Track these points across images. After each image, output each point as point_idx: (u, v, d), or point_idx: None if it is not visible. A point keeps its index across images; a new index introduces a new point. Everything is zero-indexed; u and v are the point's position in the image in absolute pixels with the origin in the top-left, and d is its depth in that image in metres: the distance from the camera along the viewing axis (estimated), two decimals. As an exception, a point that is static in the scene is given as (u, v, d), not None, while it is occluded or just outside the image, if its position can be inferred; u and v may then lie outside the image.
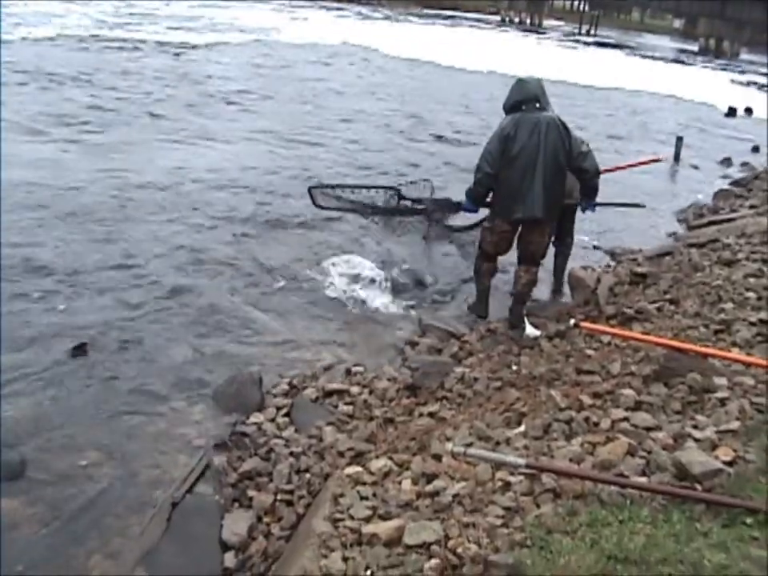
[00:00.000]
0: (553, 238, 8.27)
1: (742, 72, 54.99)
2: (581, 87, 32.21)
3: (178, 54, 27.88)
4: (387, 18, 66.64)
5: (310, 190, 9.24)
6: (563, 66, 38.44)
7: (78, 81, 20.08)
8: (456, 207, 8.54)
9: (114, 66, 23.22)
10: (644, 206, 9.84)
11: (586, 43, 67.20)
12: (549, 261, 8.76)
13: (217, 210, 11.02)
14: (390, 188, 9.26)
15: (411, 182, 9.57)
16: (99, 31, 31.50)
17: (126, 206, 10.70)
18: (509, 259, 8.18)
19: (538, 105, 7.32)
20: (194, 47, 30.69)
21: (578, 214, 8.69)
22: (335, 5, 74.06)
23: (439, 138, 18.49)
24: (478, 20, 78.79)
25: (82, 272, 8.30)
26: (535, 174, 7.17)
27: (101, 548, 4.55)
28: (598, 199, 7.98)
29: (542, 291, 8.95)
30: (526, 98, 7.36)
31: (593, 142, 8.36)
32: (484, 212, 7.94)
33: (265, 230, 10.36)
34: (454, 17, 77.39)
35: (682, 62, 58.72)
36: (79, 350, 6.65)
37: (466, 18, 78.26)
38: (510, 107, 7.45)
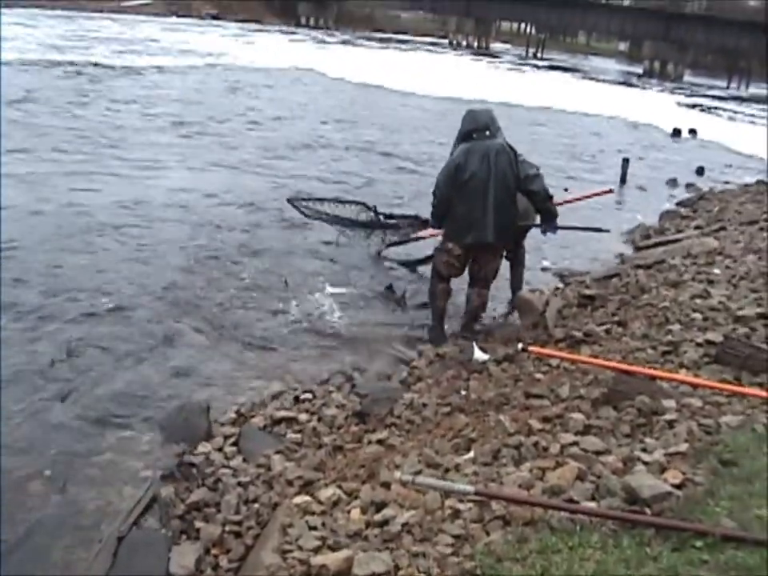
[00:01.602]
0: (506, 254, 8.72)
1: (688, 95, 55.84)
2: (530, 109, 32.50)
3: (131, 77, 28.04)
4: (344, 42, 67.13)
5: (289, 201, 9.70)
6: (512, 88, 38.89)
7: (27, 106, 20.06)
8: (424, 224, 8.69)
9: (68, 91, 23.20)
10: (608, 231, 9.90)
11: (537, 66, 68.05)
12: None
13: (169, 237, 10.92)
14: (365, 204, 9.40)
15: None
16: (51, 55, 31.41)
17: (73, 231, 10.61)
18: (460, 283, 8.29)
19: (488, 133, 7.62)
20: (141, 71, 30.71)
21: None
22: (289, 29, 74.83)
23: (388, 160, 18.55)
24: (433, 44, 79.91)
25: (25, 300, 8.19)
26: (486, 200, 7.48)
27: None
28: (560, 222, 8.22)
29: (491, 312, 8.98)
30: (476, 127, 7.67)
31: (543, 164, 8.46)
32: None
33: (214, 258, 10.26)
34: (408, 41, 78.26)
35: (629, 85, 59.55)
36: None
37: (422, 43, 79.21)
38: (462, 137, 7.74)
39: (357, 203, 9.75)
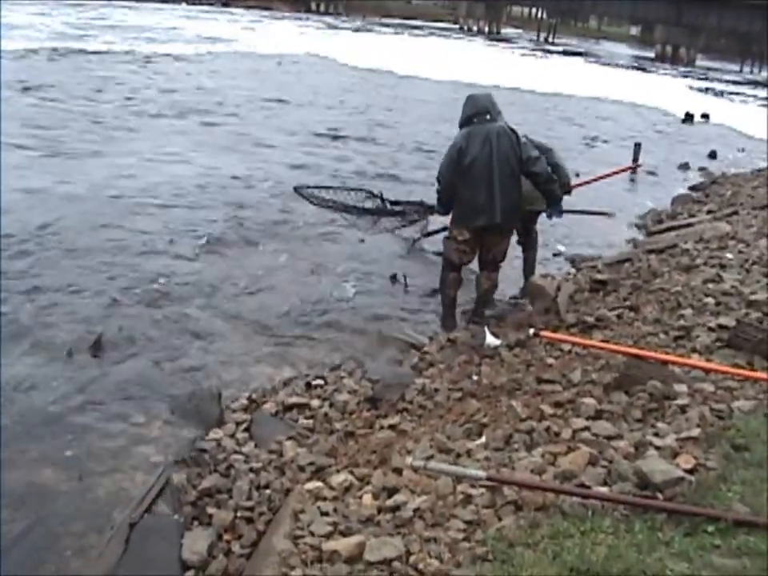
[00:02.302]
0: (518, 238, 8.97)
1: (700, 79, 55.56)
2: (542, 95, 32.44)
3: (145, 66, 28.12)
4: (356, 29, 67.12)
5: (295, 189, 9.76)
6: (524, 74, 38.86)
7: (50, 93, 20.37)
8: (430, 210, 8.72)
9: (84, 78, 23.45)
10: (613, 214, 9.88)
11: (550, 51, 67.81)
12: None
13: (180, 221, 10.96)
14: (371, 192, 9.40)
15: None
16: (66, 43, 31.58)
17: (91, 217, 10.66)
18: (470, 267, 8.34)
19: (488, 117, 7.67)
20: (161, 58, 30.94)
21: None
22: (301, 15, 75.01)
23: (401, 146, 18.54)
24: (445, 29, 79.91)
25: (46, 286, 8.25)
26: (491, 182, 7.50)
27: (58, 571, 4.45)
28: (565, 207, 8.30)
29: (503, 297, 8.98)
30: (476, 111, 7.72)
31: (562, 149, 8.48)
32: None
33: (228, 243, 10.29)
34: (420, 27, 78.27)
35: (642, 69, 59.27)
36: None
37: (434, 28, 79.12)
38: (463, 122, 7.80)
39: (362, 191, 9.75)
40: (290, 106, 23.21)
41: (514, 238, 8.80)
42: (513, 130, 7.68)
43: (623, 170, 11.29)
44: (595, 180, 10.63)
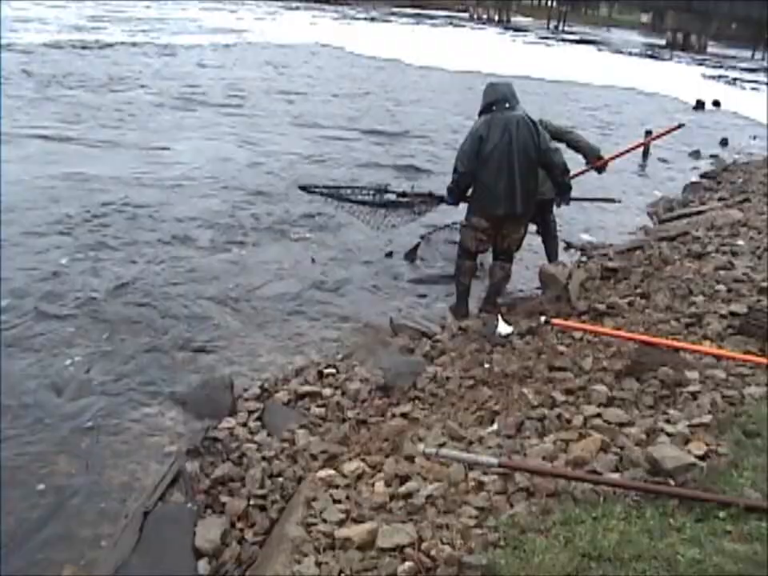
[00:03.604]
0: (537, 228, 9.20)
1: (711, 66, 55.33)
2: (553, 83, 32.38)
3: (163, 55, 28.48)
4: (373, 19, 67.26)
5: (301, 188, 9.73)
6: (536, 62, 38.87)
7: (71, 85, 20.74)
8: (438, 200, 8.74)
9: (99, 70, 23.78)
10: (619, 201, 9.87)
11: (563, 40, 67.72)
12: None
13: (191, 211, 11.03)
14: (376, 188, 9.40)
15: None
16: (82, 35, 31.87)
17: (106, 207, 10.75)
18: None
19: (507, 105, 7.65)
20: (172, 48, 31.41)
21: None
22: (314, 6, 75.33)
23: (401, 136, 18.57)
24: (459, 18, 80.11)
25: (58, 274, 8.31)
26: (512, 171, 7.51)
27: (74, 559, 4.49)
28: (574, 194, 8.37)
29: (514, 287, 9.00)
30: (496, 99, 7.70)
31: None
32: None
33: (240, 234, 10.35)
34: (435, 17, 78.31)
35: (654, 57, 59.07)
36: None
37: (446, 17, 79.35)
38: (483, 109, 7.78)
39: (367, 188, 9.75)
40: (302, 96, 23.21)
41: (533, 228, 8.88)
42: (532, 120, 7.67)
43: (668, 132, 11.14)
44: (623, 154, 10.56)
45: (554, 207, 9.06)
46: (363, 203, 9.21)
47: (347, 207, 9.33)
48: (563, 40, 68.02)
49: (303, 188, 9.67)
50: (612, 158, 9.51)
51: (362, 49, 38.85)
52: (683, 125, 11.09)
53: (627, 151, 10.53)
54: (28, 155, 13.14)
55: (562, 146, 8.57)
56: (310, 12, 67.85)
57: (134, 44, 31.64)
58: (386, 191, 9.20)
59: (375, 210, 9.15)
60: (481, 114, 7.79)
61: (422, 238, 10.25)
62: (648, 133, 18.53)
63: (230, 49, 34.56)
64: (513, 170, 7.49)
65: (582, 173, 9.36)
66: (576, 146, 8.98)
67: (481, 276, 8.77)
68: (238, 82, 24.38)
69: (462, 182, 7.90)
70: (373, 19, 67.87)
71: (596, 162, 9.05)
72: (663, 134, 11.46)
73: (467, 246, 8.07)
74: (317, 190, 9.63)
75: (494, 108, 7.64)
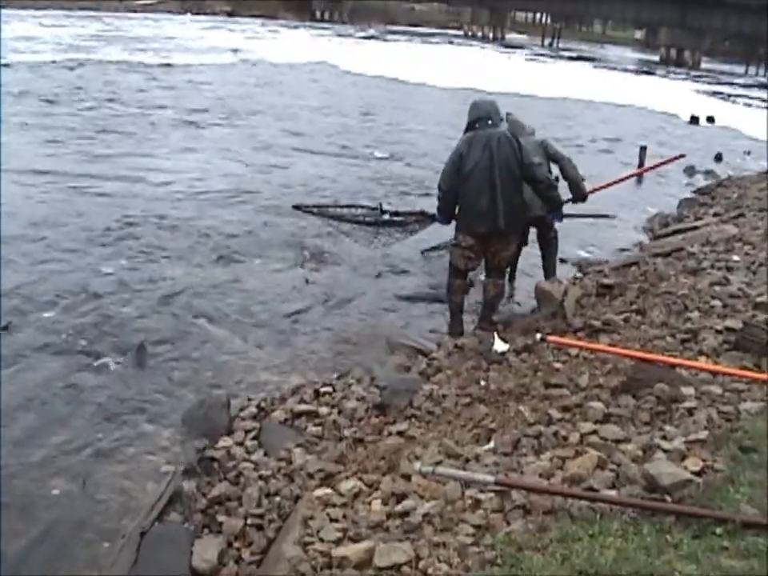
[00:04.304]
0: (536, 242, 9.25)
1: (705, 81, 55.57)
2: (547, 100, 32.49)
3: (160, 75, 29.07)
4: (371, 37, 67.87)
5: (294, 207, 9.81)
6: (531, 79, 39.06)
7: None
8: (431, 219, 8.76)
9: (96, 88, 24.16)
10: (613, 217, 9.90)
11: (559, 57, 68.12)
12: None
13: (185, 230, 11.03)
14: (368, 207, 9.45)
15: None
16: (77, 54, 32.27)
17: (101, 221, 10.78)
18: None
19: (490, 122, 7.68)
20: (167, 68, 31.66)
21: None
22: (315, 25, 76.09)
23: (396, 154, 18.62)
24: (452, 35, 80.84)
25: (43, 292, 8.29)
26: (493, 188, 7.49)
27: (70, 580, 4.49)
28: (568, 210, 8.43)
29: (509, 304, 9.02)
30: (479, 117, 7.75)
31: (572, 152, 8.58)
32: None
33: (236, 252, 10.35)
34: (432, 35, 78.95)
35: (649, 73, 59.35)
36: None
37: (443, 35, 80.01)
38: (466, 127, 7.84)
39: (360, 207, 9.78)
40: (296, 116, 23.29)
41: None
42: (515, 136, 7.70)
43: (669, 161, 11.14)
44: (644, 171, 10.54)
45: (554, 223, 9.09)
46: (356, 222, 9.23)
47: (340, 226, 9.34)
48: (558, 57, 68.36)
49: (297, 207, 9.71)
50: (604, 186, 9.57)
51: (359, 67, 39.04)
52: (684, 155, 11.13)
53: (624, 179, 10.58)
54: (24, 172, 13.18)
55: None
56: (309, 31, 68.14)
57: (130, 62, 31.88)
58: (379, 210, 9.22)
59: (368, 228, 9.17)
60: (465, 131, 7.83)
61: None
62: (643, 149, 18.63)
63: (226, 68, 34.73)
64: (494, 186, 7.48)
65: (564, 202, 9.41)
66: (564, 175, 8.99)
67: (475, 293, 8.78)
68: (231, 101, 24.50)
69: (445, 201, 7.95)
70: (371, 38, 68.36)
71: (578, 196, 9.06)
72: (663, 164, 11.48)
73: (456, 264, 8.03)
74: (310, 209, 9.66)
75: (477, 126, 7.68)
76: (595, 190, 9.32)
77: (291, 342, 7.92)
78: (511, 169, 7.55)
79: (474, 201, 7.58)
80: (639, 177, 17.73)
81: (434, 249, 10.48)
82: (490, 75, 38.04)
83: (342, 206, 9.79)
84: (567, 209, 8.56)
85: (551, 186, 7.95)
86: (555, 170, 8.91)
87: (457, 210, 7.92)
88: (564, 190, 8.67)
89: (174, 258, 9.83)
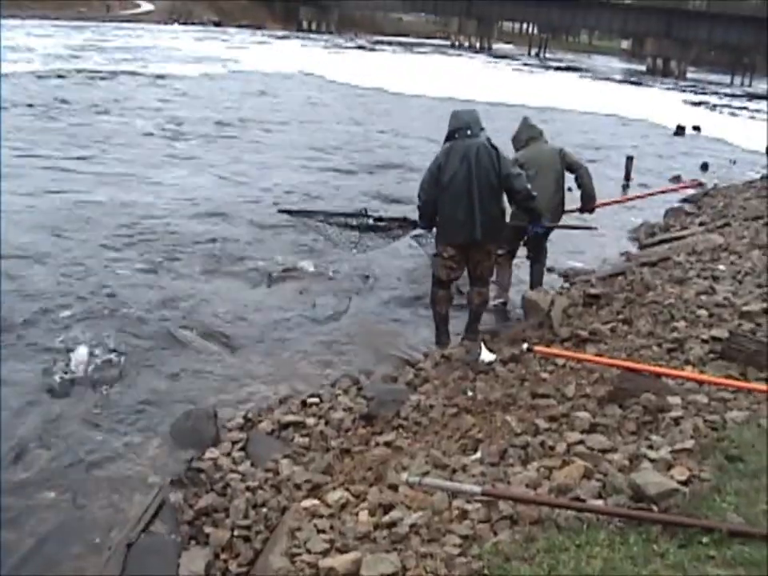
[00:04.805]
0: (527, 253, 9.37)
1: (691, 91, 55.85)
2: (535, 109, 32.50)
3: (152, 85, 29.12)
4: (360, 47, 68.17)
5: (280, 211, 9.84)
6: (519, 89, 39.37)
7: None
8: (413, 225, 8.74)
9: (84, 98, 24.29)
10: (596, 228, 9.91)
11: (546, 67, 68.39)
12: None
13: (171, 240, 11.03)
14: (353, 213, 9.47)
15: None
16: (68, 64, 32.36)
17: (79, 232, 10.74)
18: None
19: (469, 132, 7.64)
20: (155, 79, 31.74)
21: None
22: (303, 35, 76.17)
23: (383, 162, 18.67)
24: (441, 46, 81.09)
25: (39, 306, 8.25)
26: (471, 198, 7.49)
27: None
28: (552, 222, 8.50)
29: (497, 315, 9.04)
30: (458, 127, 7.72)
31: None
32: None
33: (219, 262, 10.35)
34: (421, 44, 79.26)
35: (635, 84, 59.61)
36: None
37: (431, 45, 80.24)
38: (446, 137, 7.82)
39: (346, 213, 9.81)
40: (282, 126, 23.37)
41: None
42: (494, 146, 7.65)
43: (686, 186, 11.18)
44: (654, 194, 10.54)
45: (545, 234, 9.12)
46: (341, 226, 9.26)
47: (326, 232, 9.35)
48: (545, 67, 68.58)
49: (284, 211, 9.74)
50: (614, 202, 9.61)
51: (345, 77, 39.18)
52: (703, 183, 11.15)
53: (629, 199, 10.62)
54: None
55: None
56: (299, 41, 68.34)
57: (123, 73, 31.95)
58: (364, 215, 9.25)
59: (353, 233, 9.19)
60: (445, 141, 7.82)
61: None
62: (629, 159, 18.69)
63: (215, 78, 34.82)
64: (472, 196, 7.47)
65: (572, 211, 9.44)
66: (579, 184, 9.05)
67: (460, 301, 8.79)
68: (220, 111, 24.55)
69: (425, 210, 7.95)
70: (360, 47, 68.60)
71: (587, 207, 9.12)
72: (677, 189, 11.51)
73: (439, 275, 8.01)
74: (296, 212, 9.70)
75: (456, 136, 7.66)
76: (604, 204, 9.37)
77: (277, 352, 7.90)
78: (490, 179, 7.52)
79: (451, 211, 7.58)
80: (627, 172, 17.88)
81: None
82: (479, 85, 38.19)
83: (328, 213, 9.81)
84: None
85: (529, 196, 7.88)
86: (570, 178, 9.04)
87: (437, 221, 7.93)
88: (569, 200, 8.74)
89: (159, 270, 9.80)
